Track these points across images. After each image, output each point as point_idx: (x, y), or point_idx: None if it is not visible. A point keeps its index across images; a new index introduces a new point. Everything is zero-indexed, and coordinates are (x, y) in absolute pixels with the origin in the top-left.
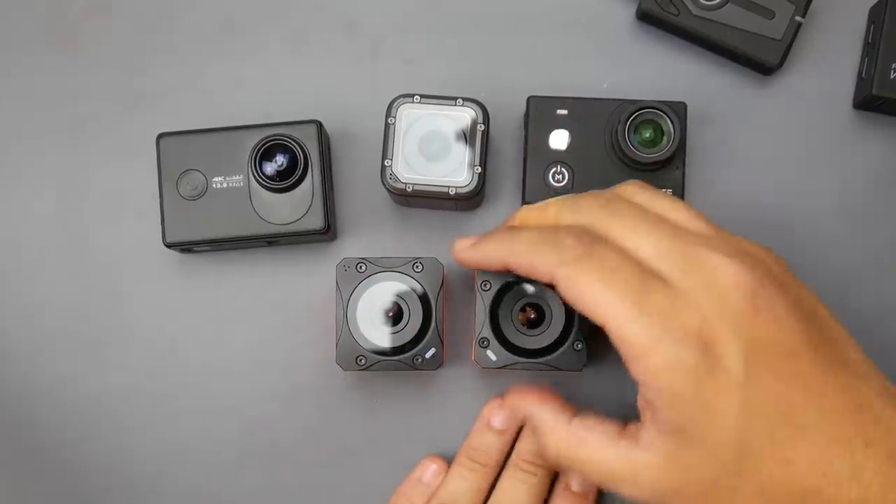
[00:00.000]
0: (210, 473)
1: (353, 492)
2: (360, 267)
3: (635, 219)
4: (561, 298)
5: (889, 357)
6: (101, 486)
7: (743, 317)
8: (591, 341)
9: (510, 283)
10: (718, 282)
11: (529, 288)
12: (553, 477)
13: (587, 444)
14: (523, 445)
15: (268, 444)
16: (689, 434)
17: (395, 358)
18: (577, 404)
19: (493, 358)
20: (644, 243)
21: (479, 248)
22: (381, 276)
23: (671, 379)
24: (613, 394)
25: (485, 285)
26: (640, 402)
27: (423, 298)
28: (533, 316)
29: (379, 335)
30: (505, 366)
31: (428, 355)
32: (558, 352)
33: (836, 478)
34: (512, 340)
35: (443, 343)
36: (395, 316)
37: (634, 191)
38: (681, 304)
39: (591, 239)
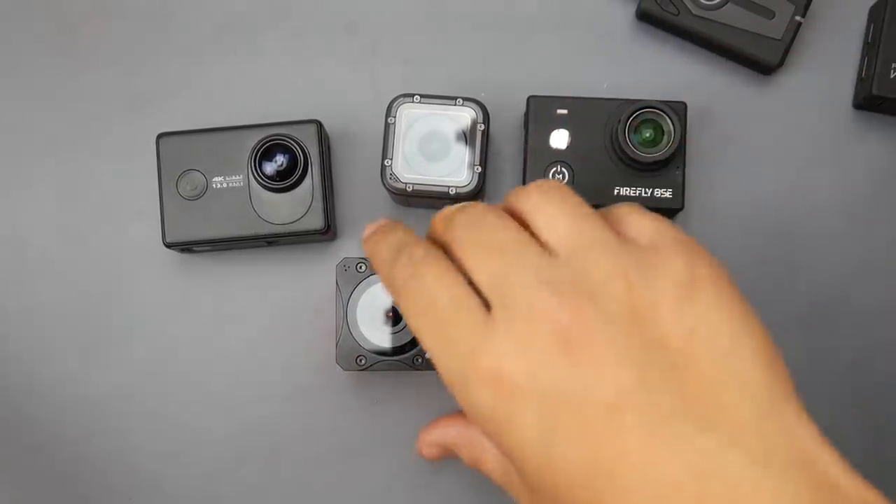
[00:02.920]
0: (210, 473)
1: (353, 492)
2: (360, 267)
3: (490, 239)
4: None
5: (889, 356)
6: (101, 486)
7: (549, 362)
8: None
9: None
10: (533, 317)
11: None
12: None
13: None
14: None
15: (268, 444)
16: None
17: (395, 358)
18: None
19: None
20: (484, 267)
21: (365, 242)
22: None
23: (477, 422)
24: None
25: None
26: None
27: None
28: None
29: (379, 335)
30: None
31: (428, 355)
32: None
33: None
34: None
35: None
36: (395, 316)
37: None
38: (486, 344)
39: (421, 260)
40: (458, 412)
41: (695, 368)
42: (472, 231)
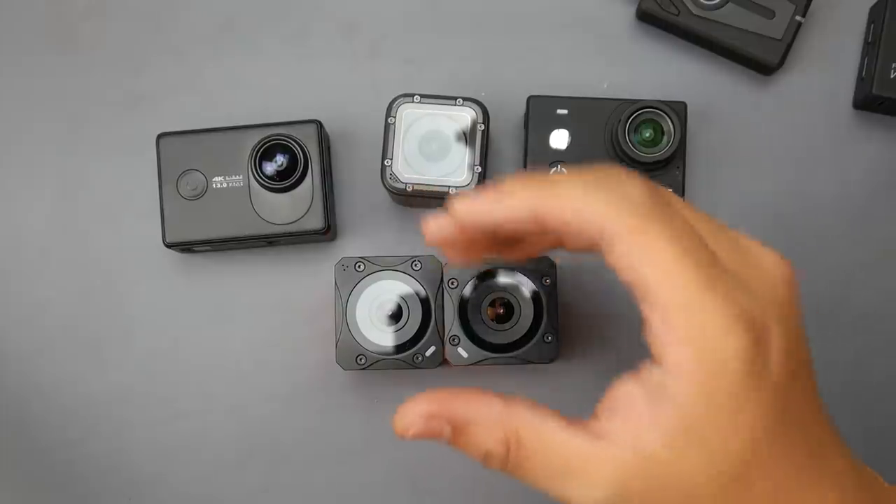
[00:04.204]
0: (210, 473)
1: (353, 492)
2: (359, 266)
3: (676, 198)
4: (607, 260)
5: (889, 356)
6: (101, 486)
7: (788, 313)
8: (561, 334)
9: (479, 277)
10: (766, 271)
11: (498, 282)
12: None
13: (539, 433)
14: None
15: (268, 444)
16: (699, 435)
17: (396, 356)
18: (548, 398)
19: (465, 355)
20: (698, 221)
21: (500, 198)
22: (379, 275)
23: (721, 369)
24: (584, 387)
25: (452, 283)
26: (631, 395)
27: (423, 297)
28: (502, 311)
29: (379, 334)
30: (477, 362)
31: (428, 353)
32: (528, 345)
33: None
34: (482, 336)
35: (443, 341)
36: (395, 315)
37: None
38: (743, 288)
39: (661, 196)
40: (483, 391)
41: None
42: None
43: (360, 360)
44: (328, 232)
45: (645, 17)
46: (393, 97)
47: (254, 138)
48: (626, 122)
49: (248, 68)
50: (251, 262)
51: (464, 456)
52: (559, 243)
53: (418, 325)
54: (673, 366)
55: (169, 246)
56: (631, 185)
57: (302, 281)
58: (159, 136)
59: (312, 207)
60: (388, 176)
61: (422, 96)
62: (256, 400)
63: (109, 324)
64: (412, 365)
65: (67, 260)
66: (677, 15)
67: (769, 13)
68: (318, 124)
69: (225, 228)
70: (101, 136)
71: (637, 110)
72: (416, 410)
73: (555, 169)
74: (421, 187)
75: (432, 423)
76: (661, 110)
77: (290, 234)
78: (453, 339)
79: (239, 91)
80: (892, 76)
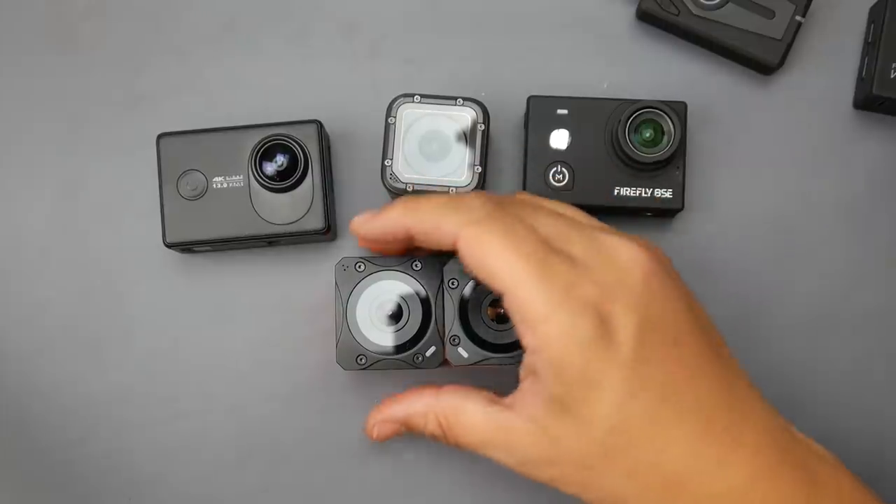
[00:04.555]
0: (210, 473)
1: (353, 492)
2: (359, 266)
3: (534, 208)
4: (463, 265)
5: (890, 357)
6: (101, 486)
7: (639, 295)
8: None
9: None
10: (617, 260)
11: None
12: None
13: (462, 412)
14: None
15: (268, 444)
16: (566, 406)
17: (396, 357)
18: None
19: (465, 355)
20: (544, 224)
21: (381, 218)
22: (380, 276)
23: (563, 348)
24: None
25: (452, 283)
26: (523, 371)
27: (423, 297)
28: (502, 311)
29: (379, 334)
30: (477, 362)
31: (428, 354)
32: None
33: (703, 468)
34: (483, 336)
35: (443, 341)
36: (395, 315)
37: (524, 195)
38: (582, 276)
39: (499, 204)
40: (421, 386)
41: None
42: (513, 205)
43: (361, 360)
44: (328, 232)
45: (645, 17)
46: (393, 97)
47: (254, 138)
48: (626, 122)
49: (248, 68)
50: (251, 262)
51: (462, 456)
52: (436, 247)
53: (419, 325)
54: (527, 346)
55: (169, 246)
56: (471, 199)
57: (302, 281)
58: (159, 136)
59: (312, 207)
60: (388, 176)
61: (422, 96)
62: (256, 400)
63: (109, 324)
64: (412, 365)
65: (67, 260)
66: (677, 15)
67: (769, 13)
68: (319, 124)
69: (225, 228)
70: (101, 136)
71: (637, 110)
72: (375, 419)
73: (554, 169)
74: (421, 187)
75: (386, 426)
76: (661, 110)
77: (290, 234)
78: (453, 340)
79: (239, 91)
80: (892, 76)
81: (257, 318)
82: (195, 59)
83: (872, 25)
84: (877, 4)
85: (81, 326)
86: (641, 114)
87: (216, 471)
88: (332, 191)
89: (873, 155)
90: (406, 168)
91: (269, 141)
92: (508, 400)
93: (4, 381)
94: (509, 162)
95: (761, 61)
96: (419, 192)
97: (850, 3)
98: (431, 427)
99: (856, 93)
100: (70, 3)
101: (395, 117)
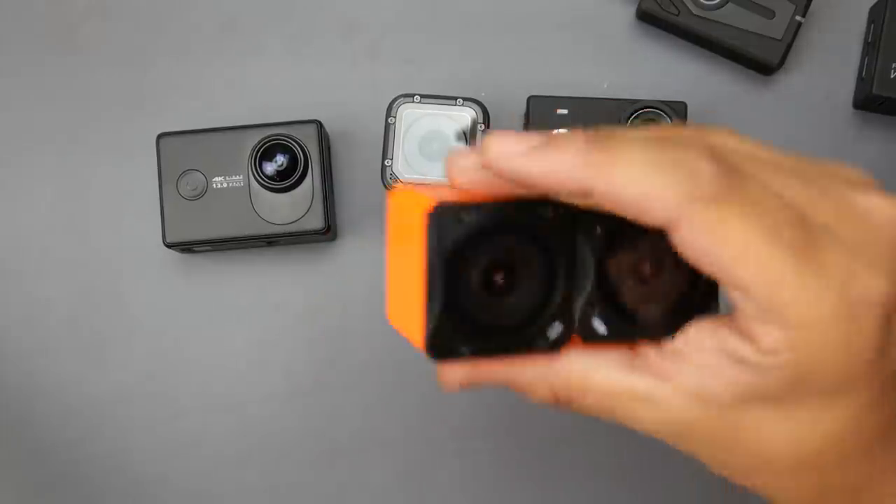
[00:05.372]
0: (211, 472)
1: (353, 492)
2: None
3: (763, 161)
4: (676, 250)
5: None
6: (102, 486)
7: None
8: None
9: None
10: (884, 233)
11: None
12: None
13: (589, 383)
14: None
15: (268, 444)
16: (769, 406)
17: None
18: None
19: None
20: (785, 185)
21: (552, 150)
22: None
23: (827, 355)
24: None
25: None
26: (719, 345)
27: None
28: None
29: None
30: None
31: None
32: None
33: None
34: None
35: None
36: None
37: (723, 130)
38: (858, 265)
39: (733, 167)
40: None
41: None
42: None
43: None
44: (328, 232)
45: (645, 17)
46: (393, 97)
47: (254, 138)
48: (627, 122)
49: (248, 68)
50: (251, 262)
51: (463, 456)
52: (618, 214)
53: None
54: (765, 347)
55: (169, 246)
56: (698, 156)
57: (302, 281)
58: (159, 136)
59: (312, 207)
60: (388, 176)
61: (422, 96)
62: (256, 399)
63: (110, 324)
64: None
65: (68, 260)
66: (677, 15)
67: (769, 13)
68: (318, 124)
69: (225, 228)
70: (102, 136)
71: (637, 110)
72: (461, 373)
73: None
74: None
75: (474, 382)
76: (661, 110)
77: (290, 234)
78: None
79: (239, 91)
80: (892, 76)
81: (257, 318)
82: (195, 59)
83: (872, 25)
84: (877, 4)
85: (82, 326)
86: (641, 114)
87: (217, 470)
88: (332, 191)
89: (873, 155)
90: (406, 168)
91: (269, 141)
92: (660, 366)
93: (6, 381)
94: None
95: (761, 61)
96: None
97: (850, 3)
98: (542, 394)
99: (856, 93)
100: (70, 3)
101: (395, 117)
